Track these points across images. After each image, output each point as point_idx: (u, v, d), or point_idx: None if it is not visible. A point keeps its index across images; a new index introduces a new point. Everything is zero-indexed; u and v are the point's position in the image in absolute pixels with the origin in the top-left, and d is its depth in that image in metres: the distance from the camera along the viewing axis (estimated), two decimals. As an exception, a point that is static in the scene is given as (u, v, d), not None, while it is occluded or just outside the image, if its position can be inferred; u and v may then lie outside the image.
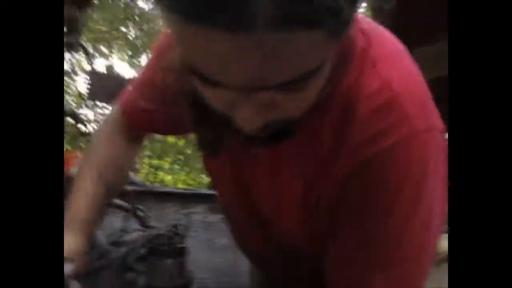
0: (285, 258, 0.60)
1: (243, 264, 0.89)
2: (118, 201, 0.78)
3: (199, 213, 1.02)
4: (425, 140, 0.43)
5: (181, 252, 0.64)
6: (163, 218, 0.76)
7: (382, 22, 0.49)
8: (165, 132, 0.76)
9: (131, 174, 1.62)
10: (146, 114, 0.59)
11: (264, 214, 0.57)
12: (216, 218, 0.88)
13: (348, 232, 0.47)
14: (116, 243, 0.68)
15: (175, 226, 0.68)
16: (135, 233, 0.69)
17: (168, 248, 0.63)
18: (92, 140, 0.68)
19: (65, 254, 0.48)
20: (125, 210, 0.75)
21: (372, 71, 0.44)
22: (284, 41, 0.29)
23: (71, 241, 0.52)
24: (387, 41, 0.48)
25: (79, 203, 0.56)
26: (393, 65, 0.45)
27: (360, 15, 0.46)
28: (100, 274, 0.63)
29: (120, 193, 0.79)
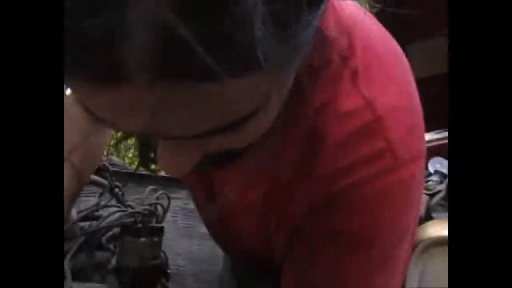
0: (247, 256, 0.57)
1: (220, 253, 0.86)
2: (94, 177, 0.74)
3: (179, 199, 0.99)
4: (410, 172, 0.37)
5: (157, 232, 0.61)
6: (142, 201, 0.73)
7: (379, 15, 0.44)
8: None
9: (113, 158, 1.59)
10: None
11: (226, 221, 0.53)
12: (196, 205, 0.84)
13: (306, 263, 0.43)
14: (88, 218, 0.64)
15: (153, 205, 0.65)
16: (110, 209, 0.66)
17: (143, 227, 0.60)
18: None
19: None
20: (102, 186, 0.71)
21: (351, 86, 0.36)
22: (176, 96, 0.22)
23: None
24: (376, 43, 0.39)
25: None
26: (379, 77, 0.37)
27: (354, 7, 0.40)
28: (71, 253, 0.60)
29: (98, 169, 0.76)
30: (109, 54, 0.20)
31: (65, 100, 0.64)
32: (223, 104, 0.23)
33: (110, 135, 0.70)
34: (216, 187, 0.51)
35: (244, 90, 0.23)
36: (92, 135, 0.60)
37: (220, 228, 0.58)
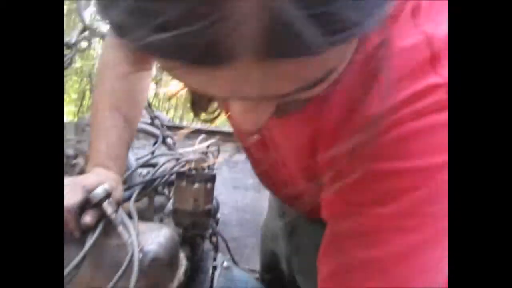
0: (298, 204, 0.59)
1: (264, 204, 0.90)
2: (147, 127, 0.78)
3: (225, 152, 1.03)
4: None
5: (209, 179, 0.64)
6: (194, 151, 0.76)
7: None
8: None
9: (157, 111, 1.64)
10: None
11: (277, 166, 0.54)
12: (242, 157, 0.87)
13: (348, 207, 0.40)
14: (145, 165, 0.68)
15: (205, 153, 0.68)
16: (164, 157, 0.70)
17: (197, 173, 0.63)
18: (100, 70, 0.64)
19: (105, 187, 0.50)
20: (155, 136, 0.75)
21: (409, 23, 0.36)
22: (280, 69, 0.24)
23: (105, 175, 0.54)
24: None
25: (106, 139, 0.57)
26: (442, 13, 0.36)
27: None
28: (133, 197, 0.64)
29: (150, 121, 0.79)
30: (221, 39, 0.22)
31: (105, 49, 0.65)
32: (321, 67, 0.27)
33: (150, 81, 0.73)
34: (268, 135, 0.53)
35: (339, 52, 0.27)
36: (136, 83, 0.63)
37: (271, 174, 0.60)
